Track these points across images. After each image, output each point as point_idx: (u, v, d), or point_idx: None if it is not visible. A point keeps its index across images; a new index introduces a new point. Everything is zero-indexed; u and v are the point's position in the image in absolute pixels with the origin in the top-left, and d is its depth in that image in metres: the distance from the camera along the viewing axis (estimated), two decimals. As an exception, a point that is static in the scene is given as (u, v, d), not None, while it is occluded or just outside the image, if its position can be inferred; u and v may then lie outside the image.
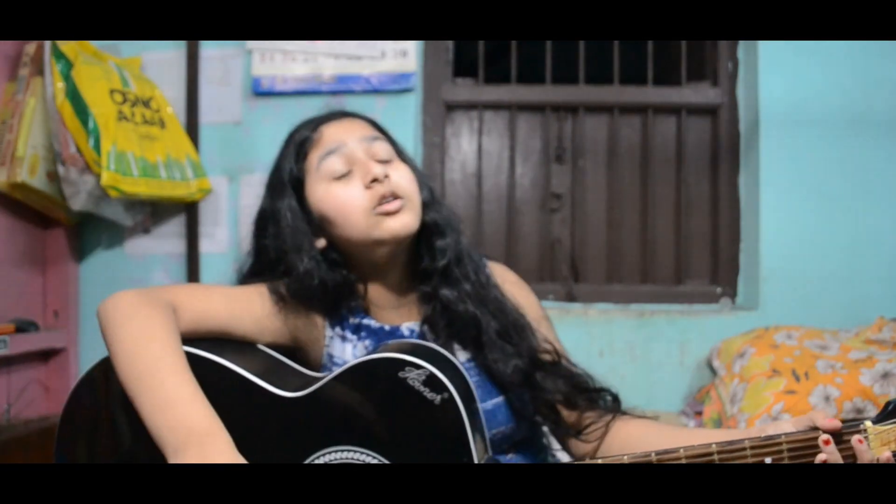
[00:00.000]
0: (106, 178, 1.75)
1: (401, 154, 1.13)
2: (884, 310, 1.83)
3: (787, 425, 0.85)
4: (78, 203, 1.84)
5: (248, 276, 1.12)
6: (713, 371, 1.91)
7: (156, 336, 0.88)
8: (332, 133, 1.08)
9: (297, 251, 1.05)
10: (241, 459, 0.80)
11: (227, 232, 2.08)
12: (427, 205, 1.11)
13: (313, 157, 1.07)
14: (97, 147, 1.77)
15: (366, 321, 1.09)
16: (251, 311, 1.03)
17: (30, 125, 1.81)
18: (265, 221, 1.10)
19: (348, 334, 1.09)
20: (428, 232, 1.10)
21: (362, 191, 1.03)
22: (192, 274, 2.04)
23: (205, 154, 2.07)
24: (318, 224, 1.07)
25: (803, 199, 2.01)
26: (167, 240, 2.08)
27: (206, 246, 2.07)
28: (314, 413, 0.91)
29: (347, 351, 1.07)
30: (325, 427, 0.90)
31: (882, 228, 1.99)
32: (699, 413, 1.83)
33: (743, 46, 2.13)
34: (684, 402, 1.96)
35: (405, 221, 1.04)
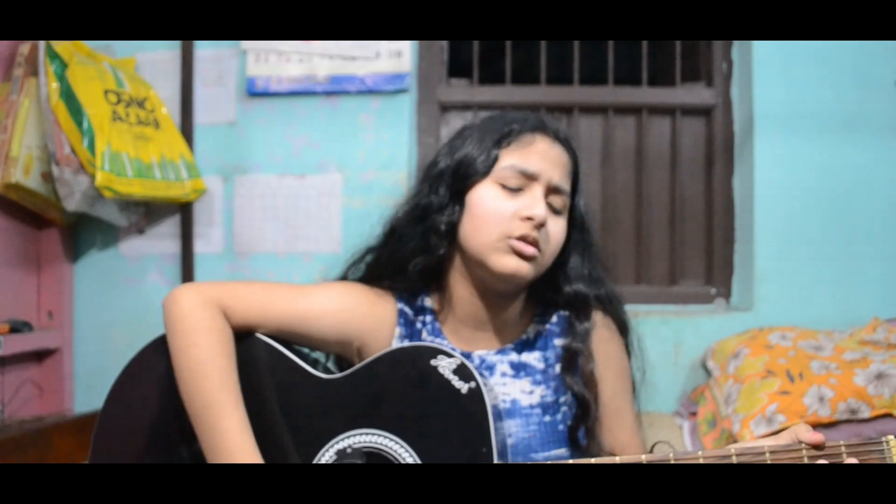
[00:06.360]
0: (100, 178, 1.75)
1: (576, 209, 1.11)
2: (878, 310, 1.83)
3: (768, 441, 0.83)
4: (72, 203, 1.83)
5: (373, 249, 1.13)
6: (707, 372, 1.91)
7: (210, 371, 0.94)
8: (542, 152, 1.04)
9: (433, 212, 1.05)
10: None
11: (222, 232, 2.08)
12: (576, 278, 1.10)
13: (511, 155, 1.03)
14: (91, 147, 1.76)
15: (438, 340, 1.08)
16: (321, 306, 1.04)
17: (24, 126, 1.80)
18: (431, 170, 1.10)
19: None
20: (574, 307, 1.10)
21: (514, 215, 1.00)
22: (187, 275, 2.04)
23: (199, 154, 2.06)
24: (461, 208, 1.05)
25: (797, 199, 2.01)
26: (162, 240, 2.08)
27: (200, 246, 2.07)
28: (346, 395, 0.94)
29: None
30: (354, 409, 0.93)
31: (876, 229, 1.99)
32: (693, 414, 1.83)
33: (737, 47, 2.14)
34: (678, 402, 1.96)
35: (523, 270, 1.00)
